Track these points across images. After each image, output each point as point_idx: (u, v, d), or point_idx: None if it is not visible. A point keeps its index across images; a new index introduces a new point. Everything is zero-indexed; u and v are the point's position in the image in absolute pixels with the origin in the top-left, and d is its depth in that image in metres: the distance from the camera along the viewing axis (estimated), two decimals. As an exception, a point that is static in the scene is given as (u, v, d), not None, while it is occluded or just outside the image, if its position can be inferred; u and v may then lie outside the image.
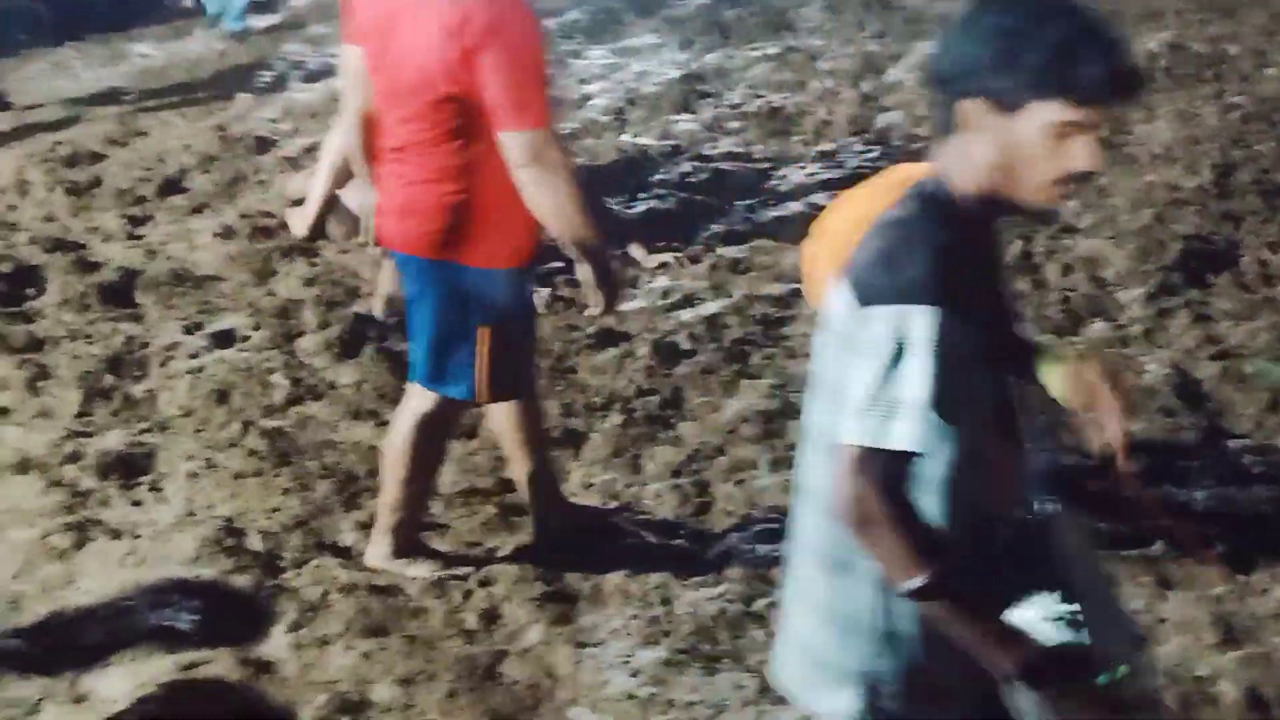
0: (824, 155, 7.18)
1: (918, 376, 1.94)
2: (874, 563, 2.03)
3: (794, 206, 6.47)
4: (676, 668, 3.50)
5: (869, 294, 2.00)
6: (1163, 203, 5.94)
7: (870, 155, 7.15)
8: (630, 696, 3.43)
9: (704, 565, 3.89)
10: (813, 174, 6.90)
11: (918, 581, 1.97)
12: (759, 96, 8.16)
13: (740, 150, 7.31)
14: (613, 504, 4.16)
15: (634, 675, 3.49)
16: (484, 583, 3.83)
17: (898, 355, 1.95)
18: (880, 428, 1.96)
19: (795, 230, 6.12)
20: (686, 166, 6.96)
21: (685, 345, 5.07)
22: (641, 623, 3.66)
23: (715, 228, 6.21)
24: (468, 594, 3.79)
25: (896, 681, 2.18)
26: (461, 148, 3.36)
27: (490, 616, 3.71)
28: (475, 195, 3.39)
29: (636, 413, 4.60)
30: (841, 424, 2.00)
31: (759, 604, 3.69)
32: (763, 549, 3.90)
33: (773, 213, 6.41)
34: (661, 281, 5.63)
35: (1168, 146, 6.54)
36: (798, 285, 5.56)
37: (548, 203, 3.33)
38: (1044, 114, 1.96)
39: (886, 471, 1.97)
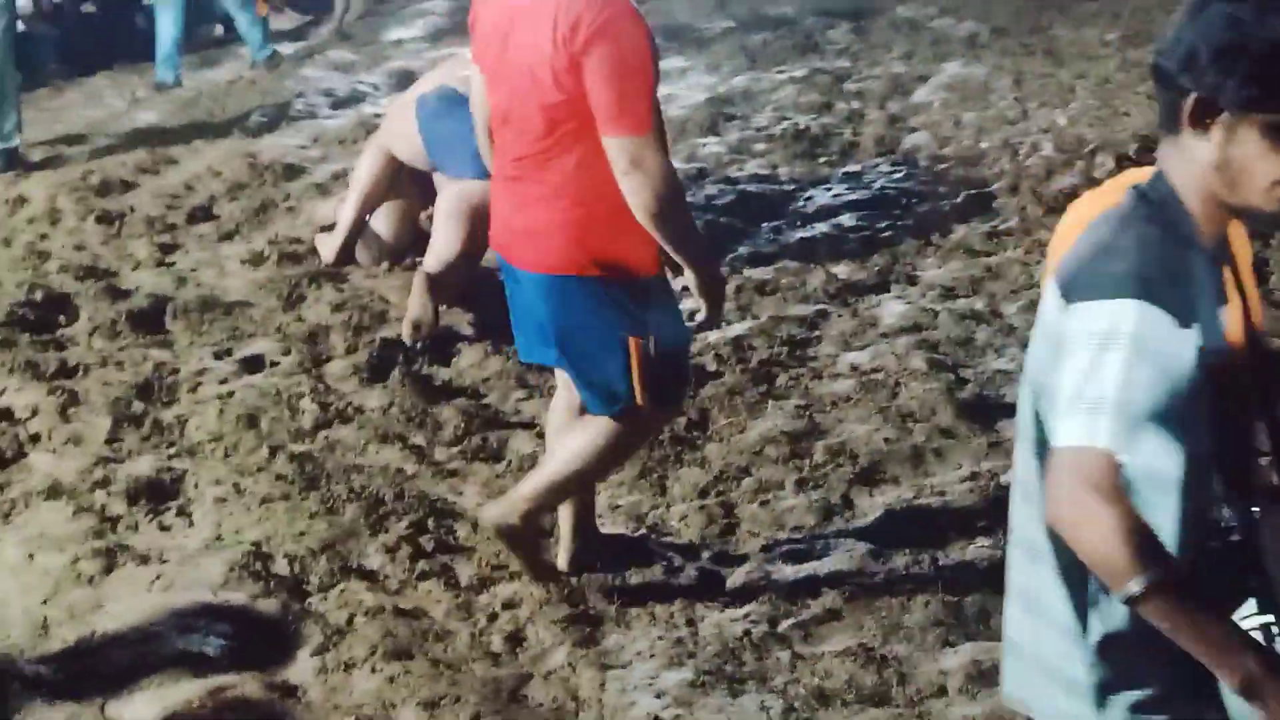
0: (850, 176, 7.18)
1: (1123, 374, 1.86)
2: (1090, 566, 1.93)
3: (820, 228, 6.47)
4: (701, 690, 3.49)
5: (1076, 290, 1.95)
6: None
7: (897, 176, 7.15)
8: (655, 719, 3.42)
9: (729, 587, 3.88)
10: (839, 195, 6.90)
11: (1136, 587, 1.86)
12: (785, 119, 8.16)
13: (766, 172, 7.32)
14: (638, 526, 4.16)
15: (659, 697, 3.48)
16: (509, 605, 3.83)
17: (1104, 351, 1.87)
18: (1087, 427, 1.87)
19: (821, 251, 6.15)
20: (713, 189, 6.97)
21: (711, 366, 5.08)
22: (666, 644, 3.65)
23: (741, 249, 6.22)
24: (493, 616, 3.80)
25: (1122, 688, 2.08)
26: (582, 158, 3.35)
27: (515, 639, 3.72)
28: (602, 205, 3.37)
29: (663, 434, 4.60)
30: (1052, 424, 1.94)
31: (784, 625, 3.68)
32: (788, 570, 3.89)
33: (799, 234, 6.42)
34: (688, 303, 5.62)
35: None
36: (824, 306, 5.56)
37: (650, 209, 3.32)
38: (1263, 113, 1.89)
39: (1099, 472, 1.87)
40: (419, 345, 5.19)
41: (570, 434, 3.67)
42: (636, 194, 3.30)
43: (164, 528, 4.28)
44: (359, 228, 5.93)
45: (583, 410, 3.68)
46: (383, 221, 5.99)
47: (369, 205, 5.92)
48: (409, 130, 5.65)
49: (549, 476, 3.69)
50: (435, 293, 5.26)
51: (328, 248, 5.99)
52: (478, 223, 5.45)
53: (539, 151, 3.38)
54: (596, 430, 3.60)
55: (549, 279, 3.46)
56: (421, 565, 4.02)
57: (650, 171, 3.28)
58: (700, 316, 3.57)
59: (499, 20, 3.41)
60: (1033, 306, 5.38)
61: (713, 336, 5.30)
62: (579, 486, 3.77)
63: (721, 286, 3.63)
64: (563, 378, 3.76)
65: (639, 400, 3.51)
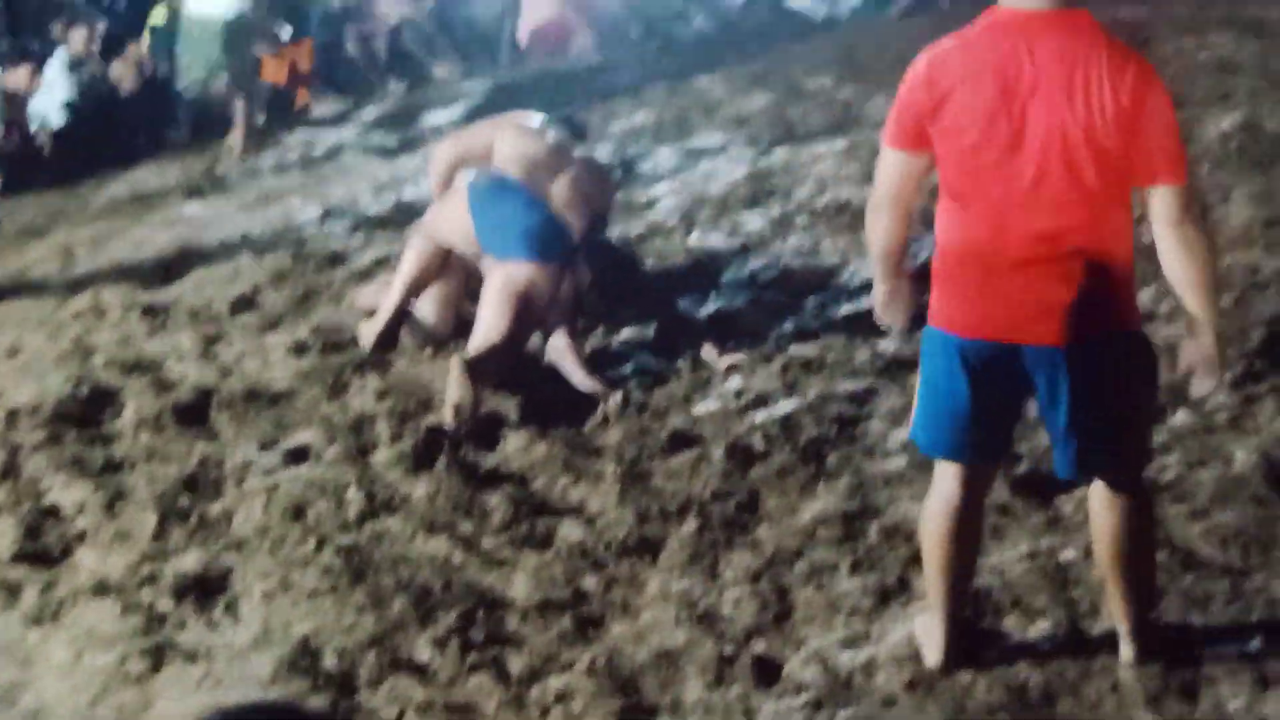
0: (894, 248, 7.12)
1: None
2: None
3: (865, 302, 6.39)
4: (761, 783, 3.40)
5: None
6: (1242, 286, 5.82)
7: (941, 247, 7.08)
8: (714, 814, 3.33)
9: (785, 674, 3.80)
10: (883, 268, 6.84)
11: None
12: (827, 191, 8.13)
13: (809, 246, 7.28)
14: (690, 612, 4.08)
15: (717, 792, 3.39)
16: (561, 697, 3.76)
17: None
18: None
19: (867, 326, 6.08)
20: (756, 264, 6.93)
21: (760, 447, 5.01)
22: (723, 736, 3.57)
23: (786, 326, 6.16)
24: (545, 710, 3.73)
25: None
26: (1119, 212, 3.27)
27: (569, 733, 3.65)
28: (1128, 255, 3.31)
29: (713, 517, 4.54)
30: None
31: (843, 714, 3.59)
32: (845, 656, 3.80)
33: (844, 309, 6.35)
34: (734, 382, 5.59)
35: (1245, 228, 6.42)
36: (872, 382, 5.49)
37: (1197, 263, 3.24)
38: None
39: None
40: (461, 430, 5.15)
41: (1113, 529, 3.47)
42: (1187, 246, 3.22)
43: (212, 624, 4.24)
44: (402, 315, 5.92)
45: (1124, 494, 3.45)
46: (428, 307, 5.98)
47: (414, 292, 5.91)
48: (458, 214, 5.66)
49: (1146, 580, 3.56)
50: (475, 377, 5.23)
51: (369, 335, 5.98)
52: (526, 306, 5.45)
53: (1087, 215, 3.22)
54: (1141, 506, 3.48)
55: (1101, 342, 3.31)
56: (471, 658, 3.96)
57: (1199, 222, 3.25)
58: (1204, 386, 3.42)
59: (1000, 94, 3.18)
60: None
61: (761, 416, 5.24)
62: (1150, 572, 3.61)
63: (1224, 353, 3.49)
64: (962, 476, 3.54)
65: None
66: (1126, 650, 3.59)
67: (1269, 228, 6.43)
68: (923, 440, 3.57)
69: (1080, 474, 3.47)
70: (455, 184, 5.96)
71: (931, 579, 3.61)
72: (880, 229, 3.48)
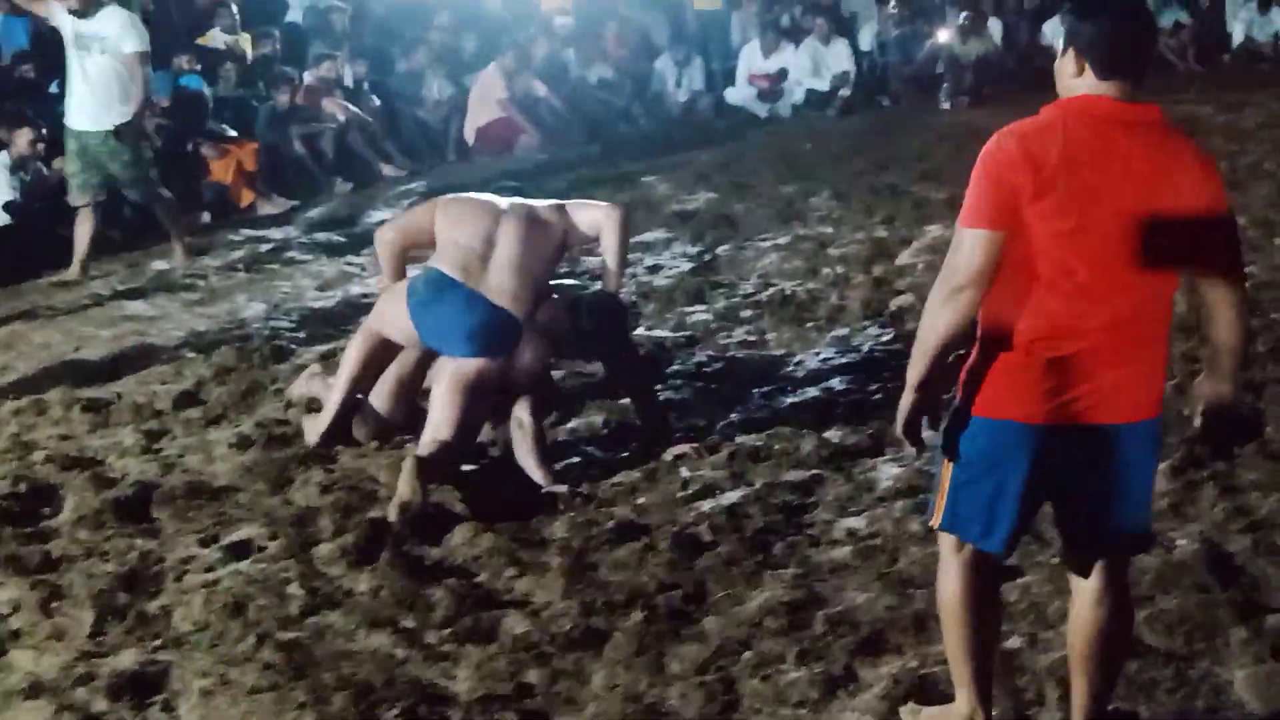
0: (839, 340, 7.19)
1: None
2: None
3: (811, 392, 6.45)
4: None
5: None
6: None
7: (885, 339, 7.16)
8: None
9: (733, 766, 3.75)
10: (828, 359, 6.90)
11: None
12: (771, 285, 8.21)
13: (754, 338, 7.33)
14: (635, 705, 4.03)
15: None
16: (506, 794, 3.70)
17: None
18: None
19: (813, 416, 6.11)
20: (702, 356, 6.97)
21: (707, 537, 4.99)
22: (670, 830, 3.52)
23: (733, 416, 6.19)
24: (489, 806, 3.66)
25: None
26: (1170, 296, 3.35)
27: (513, 830, 3.58)
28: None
29: (659, 609, 4.50)
30: None
31: (791, 806, 3.55)
32: (793, 747, 3.77)
33: (790, 399, 6.39)
34: (681, 472, 5.58)
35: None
36: (818, 471, 5.50)
37: (1244, 341, 3.37)
38: None
39: None
40: (404, 526, 5.11)
41: (1099, 623, 3.48)
42: (1243, 326, 3.34)
43: (148, 724, 4.14)
44: (348, 411, 5.89)
45: (1109, 577, 3.48)
46: (380, 399, 5.95)
47: (358, 388, 5.89)
48: (400, 315, 5.65)
49: (1116, 674, 3.60)
50: (426, 474, 5.21)
51: (314, 431, 5.94)
52: (475, 400, 5.44)
53: (1156, 300, 3.30)
54: (1129, 601, 3.55)
55: (1149, 423, 3.37)
56: (414, 754, 3.89)
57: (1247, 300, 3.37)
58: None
59: (1100, 179, 3.19)
60: (1028, 465, 5.33)
61: (707, 506, 5.23)
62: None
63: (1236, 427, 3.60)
64: (994, 562, 3.51)
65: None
66: None
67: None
68: (969, 531, 3.44)
69: (1101, 551, 3.47)
70: (401, 279, 5.93)
71: (963, 663, 3.54)
72: (953, 317, 3.26)
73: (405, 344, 5.77)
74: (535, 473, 5.55)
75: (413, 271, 5.87)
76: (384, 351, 5.83)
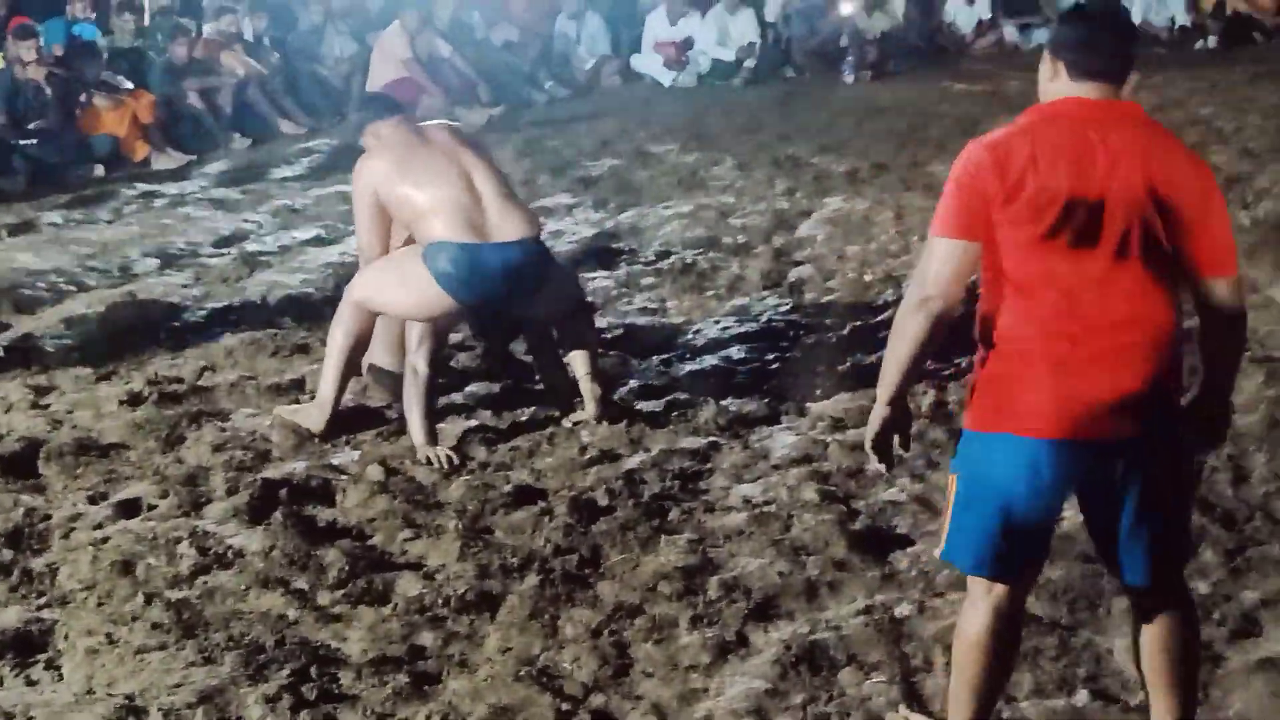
0: (738, 309, 7.22)
1: None
2: None
3: (709, 360, 6.48)
4: (597, 839, 3.37)
5: None
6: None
7: (784, 309, 7.21)
8: None
9: (624, 729, 3.77)
10: (727, 328, 6.93)
11: None
12: (672, 253, 8.22)
13: (655, 306, 7.34)
14: (529, 668, 4.04)
15: None
16: (396, 755, 3.69)
17: None
18: None
19: (711, 384, 6.15)
20: (601, 323, 6.96)
21: (603, 501, 5.01)
22: (560, 792, 3.53)
23: (631, 383, 6.20)
24: (379, 767, 3.65)
25: None
26: (1174, 298, 3.20)
27: (403, 791, 3.57)
28: (1179, 343, 3.25)
29: (554, 573, 4.51)
30: None
31: (681, 768, 3.58)
32: (684, 711, 3.79)
33: (688, 367, 6.42)
34: (580, 437, 5.58)
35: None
36: (715, 439, 5.54)
37: (1239, 344, 3.30)
38: None
39: None
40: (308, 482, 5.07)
41: (1169, 636, 3.33)
42: (1236, 330, 3.26)
43: (31, 682, 4.07)
44: (343, 393, 5.74)
45: (1164, 586, 3.32)
46: (384, 356, 5.86)
47: (351, 367, 5.74)
48: (427, 295, 5.41)
49: (1194, 682, 3.42)
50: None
51: (318, 420, 5.68)
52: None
53: (1157, 301, 3.17)
54: (1192, 606, 3.41)
55: (1164, 432, 3.22)
56: (304, 716, 3.85)
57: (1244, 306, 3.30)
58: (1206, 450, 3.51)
59: (1078, 179, 3.11)
60: (920, 437, 5.41)
61: (604, 471, 5.24)
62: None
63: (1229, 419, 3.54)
64: (1014, 592, 3.30)
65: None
66: None
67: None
68: (973, 562, 3.26)
69: (1150, 577, 3.28)
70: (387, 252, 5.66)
71: (965, 699, 3.32)
72: (922, 328, 3.14)
73: (428, 316, 5.48)
74: (415, 429, 5.46)
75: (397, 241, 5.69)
76: (370, 323, 5.71)
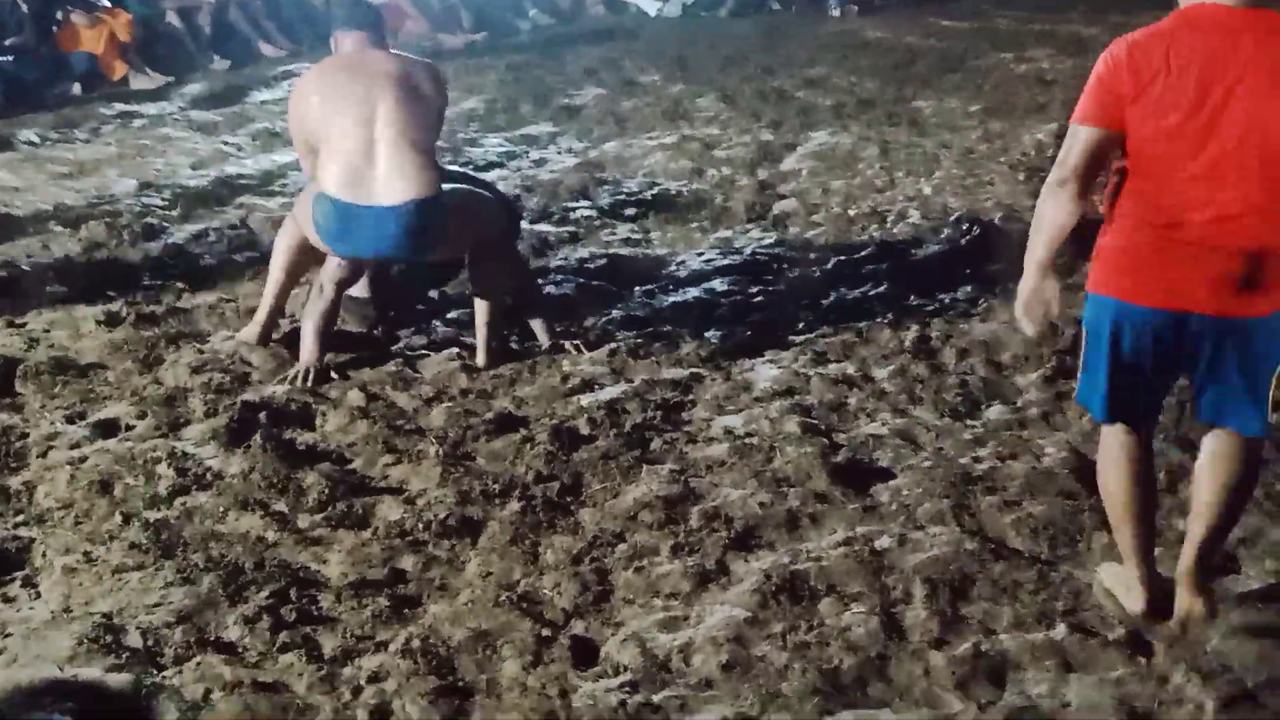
0: (722, 242, 7.19)
1: None
2: None
3: (692, 292, 6.46)
4: (576, 763, 3.37)
5: None
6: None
7: (766, 242, 7.18)
8: (528, 794, 3.29)
9: (603, 656, 3.78)
10: (710, 260, 6.90)
11: None
12: (656, 184, 8.17)
13: (638, 237, 7.31)
14: (509, 593, 4.03)
15: (532, 771, 3.35)
16: (374, 678, 3.67)
17: None
18: None
19: (694, 316, 6.13)
20: (584, 253, 6.92)
21: (585, 430, 4.99)
22: (538, 717, 3.53)
23: (614, 313, 6.17)
24: (357, 690, 3.63)
25: None
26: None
27: (381, 713, 3.56)
28: None
29: (535, 500, 4.50)
30: None
31: (660, 696, 3.58)
32: (664, 639, 3.80)
33: (671, 298, 6.40)
34: (561, 367, 5.56)
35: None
36: (697, 370, 5.52)
37: None
38: None
39: None
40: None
41: (1231, 474, 3.67)
42: None
43: (8, 600, 4.05)
44: (282, 303, 5.74)
45: (1243, 445, 3.65)
46: (362, 286, 5.84)
47: (292, 278, 5.74)
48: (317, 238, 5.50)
49: (1227, 525, 3.77)
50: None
51: (248, 330, 5.75)
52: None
53: (1266, 202, 3.39)
54: (1255, 453, 3.69)
55: (1266, 317, 3.50)
56: (283, 637, 3.84)
57: None
58: None
59: (1205, 82, 3.37)
60: (903, 372, 5.41)
61: (586, 400, 5.23)
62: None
63: None
64: (1137, 434, 3.72)
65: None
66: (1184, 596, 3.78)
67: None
68: (1095, 407, 3.69)
69: (1265, 427, 3.63)
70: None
71: (1124, 532, 3.77)
72: (1060, 207, 3.49)
73: (324, 250, 5.53)
74: (304, 342, 5.45)
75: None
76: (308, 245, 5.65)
